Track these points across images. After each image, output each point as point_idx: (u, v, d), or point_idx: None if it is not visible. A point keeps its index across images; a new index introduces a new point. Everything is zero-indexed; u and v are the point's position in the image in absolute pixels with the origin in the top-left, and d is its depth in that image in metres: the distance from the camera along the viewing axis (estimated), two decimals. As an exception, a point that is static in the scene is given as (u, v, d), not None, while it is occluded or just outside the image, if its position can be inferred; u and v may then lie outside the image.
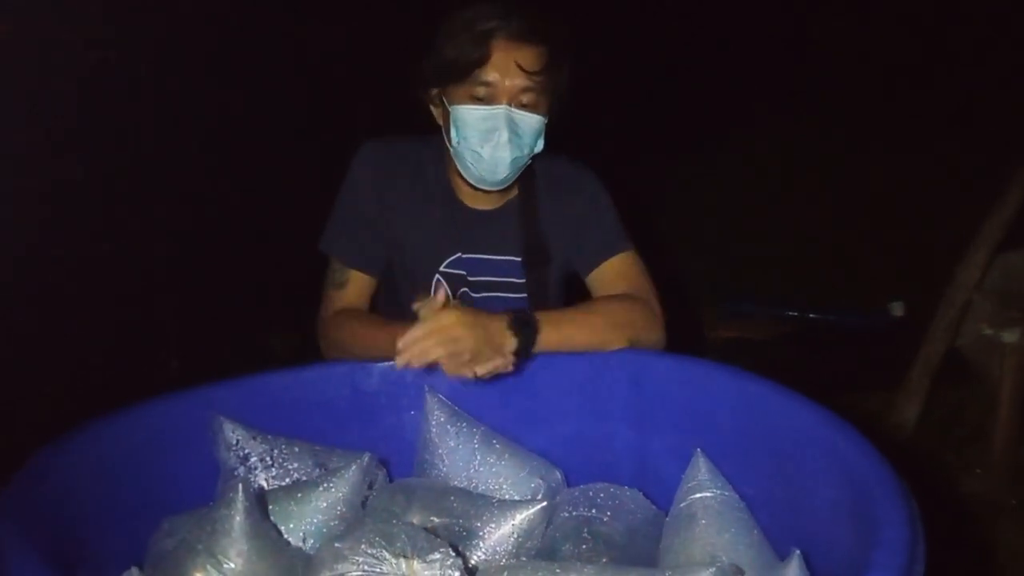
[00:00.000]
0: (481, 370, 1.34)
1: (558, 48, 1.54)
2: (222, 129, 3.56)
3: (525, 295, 1.68)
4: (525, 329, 1.40)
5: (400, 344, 1.29)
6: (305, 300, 1.75)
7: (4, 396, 2.37)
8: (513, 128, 1.51)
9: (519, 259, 1.68)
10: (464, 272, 1.67)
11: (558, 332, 1.44)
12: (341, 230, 1.67)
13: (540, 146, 1.57)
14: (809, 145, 5.24)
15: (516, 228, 1.68)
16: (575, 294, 1.71)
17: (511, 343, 1.38)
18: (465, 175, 1.59)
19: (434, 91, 1.60)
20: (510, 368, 1.38)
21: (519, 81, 1.50)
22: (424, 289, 1.64)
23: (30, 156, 2.73)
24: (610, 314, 1.51)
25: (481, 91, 1.51)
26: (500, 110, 1.50)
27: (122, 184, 3.22)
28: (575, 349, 1.47)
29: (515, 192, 1.68)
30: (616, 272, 1.63)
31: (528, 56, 1.50)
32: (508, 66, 1.49)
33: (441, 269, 1.67)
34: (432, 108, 1.63)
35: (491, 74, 1.50)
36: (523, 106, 1.52)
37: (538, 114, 1.54)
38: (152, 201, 3.36)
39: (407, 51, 1.64)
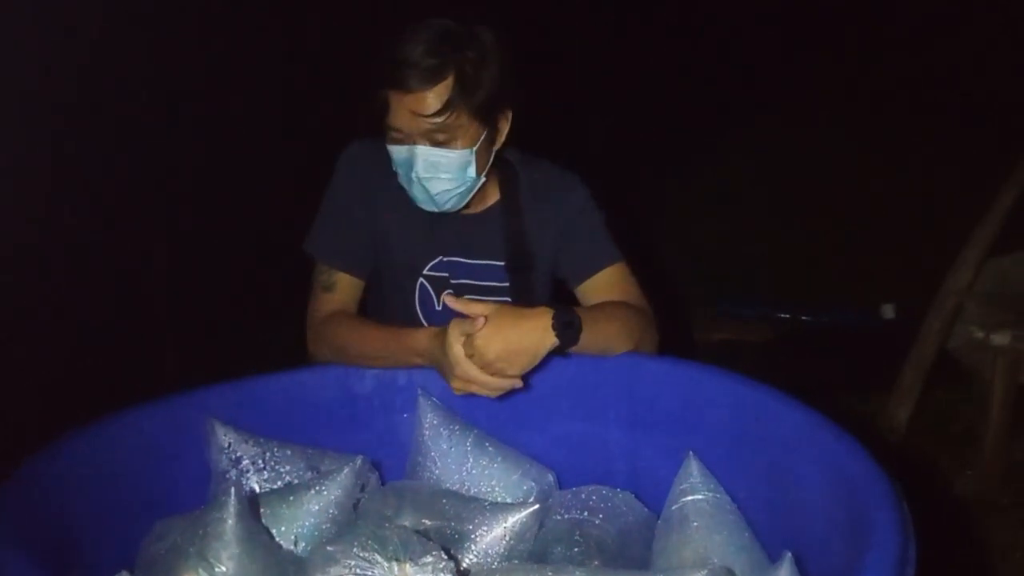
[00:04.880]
0: (494, 393, 1.34)
1: (468, 70, 1.45)
2: (220, 128, 3.56)
3: (508, 299, 1.65)
4: (567, 331, 1.35)
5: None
6: (304, 299, 1.74)
7: (1, 395, 2.37)
8: (430, 168, 1.48)
9: (501, 264, 1.66)
10: (447, 275, 1.65)
11: (591, 333, 1.39)
12: (327, 231, 1.64)
13: (472, 173, 1.51)
14: (800, 148, 5.25)
15: (498, 233, 1.65)
16: (561, 299, 1.69)
17: (549, 342, 1.34)
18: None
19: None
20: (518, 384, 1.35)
21: (423, 124, 1.45)
22: (408, 292, 1.64)
23: (27, 156, 2.73)
24: (621, 319, 1.49)
25: (394, 133, 1.48)
26: (415, 149, 1.47)
27: (120, 183, 3.22)
28: (591, 351, 1.43)
29: (496, 197, 1.66)
30: (608, 283, 1.60)
31: (422, 101, 1.43)
32: (405, 115, 1.45)
33: (425, 272, 1.65)
34: None
35: (395, 120, 1.47)
36: (439, 144, 1.47)
37: (458, 148, 1.47)
38: (149, 199, 3.36)
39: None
